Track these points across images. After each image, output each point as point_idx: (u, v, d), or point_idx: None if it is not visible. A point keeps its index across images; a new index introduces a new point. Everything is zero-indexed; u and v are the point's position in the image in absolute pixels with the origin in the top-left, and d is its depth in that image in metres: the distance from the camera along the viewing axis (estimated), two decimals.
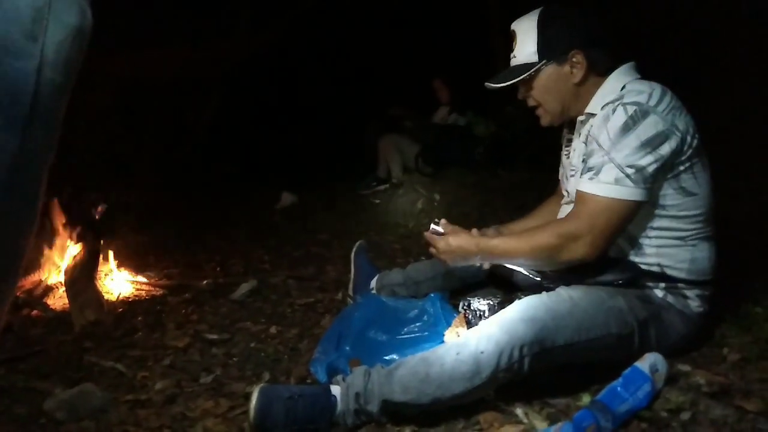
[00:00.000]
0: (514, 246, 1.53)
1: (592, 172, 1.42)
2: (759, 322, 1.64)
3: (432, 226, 1.73)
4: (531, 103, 1.63)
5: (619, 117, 1.41)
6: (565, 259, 1.45)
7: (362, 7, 5.12)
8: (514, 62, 1.61)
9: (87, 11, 0.78)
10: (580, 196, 1.45)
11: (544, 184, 2.07)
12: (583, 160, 1.52)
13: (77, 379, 1.85)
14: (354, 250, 2.39)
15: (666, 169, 1.43)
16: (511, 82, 1.58)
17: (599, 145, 1.42)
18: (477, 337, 1.41)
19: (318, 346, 1.88)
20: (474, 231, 1.82)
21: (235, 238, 3.71)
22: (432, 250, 1.71)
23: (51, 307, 2.47)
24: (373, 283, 2.23)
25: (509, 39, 1.62)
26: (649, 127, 1.39)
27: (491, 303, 1.80)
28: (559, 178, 1.84)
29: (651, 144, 1.38)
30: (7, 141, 0.70)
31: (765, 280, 1.87)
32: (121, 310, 2.46)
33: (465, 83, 4.25)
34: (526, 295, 1.71)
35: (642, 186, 1.39)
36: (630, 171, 1.38)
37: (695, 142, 1.45)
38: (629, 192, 1.39)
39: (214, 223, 4.09)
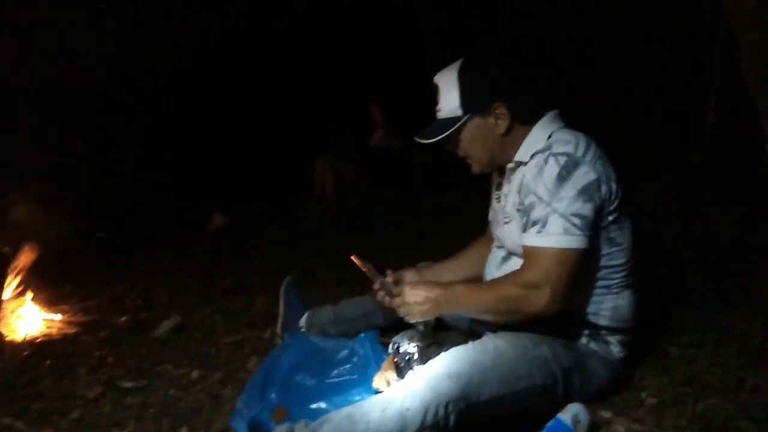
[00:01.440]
0: (479, 296, 1.50)
1: (539, 226, 1.43)
2: (675, 362, 1.71)
3: (382, 280, 1.67)
4: (460, 154, 1.64)
5: (552, 168, 1.43)
6: (529, 311, 1.44)
7: (301, 26, 5.05)
8: (439, 115, 1.61)
9: None
10: (531, 251, 1.45)
11: (477, 210, 2.08)
12: (518, 210, 1.53)
13: None
14: (283, 285, 2.31)
15: (602, 216, 1.46)
16: (438, 138, 1.58)
17: (539, 198, 1.44)
18: (403, 393, 1.39)
19: (242, 394, 1.80)
20: (409, 273, 1.81)
21: (162, 264, 3.53)
22: (386, 299, 1.64)
23: None
24: (303, 321, 2.17)
25: (433, 92, 1.61)
26: (581, 176, 1.42)
27: (420, 345, 1.77)
28: (489, 219, 1.85)
29: (587, 191, 1.41)
30: None
31: (680, 319, 1.95)
32: (26, 353, 2.27)
33: (401, 107, 4.26)
34: (452, 339, 1.72)
35: (587, 233, 1.42)
36: (576, 220, 1.40)
37: (619, 191, 1.49)
38: (578, 240, 1.41)
39: (139, 244, 3.89)
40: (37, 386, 2.01)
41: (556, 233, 1.40)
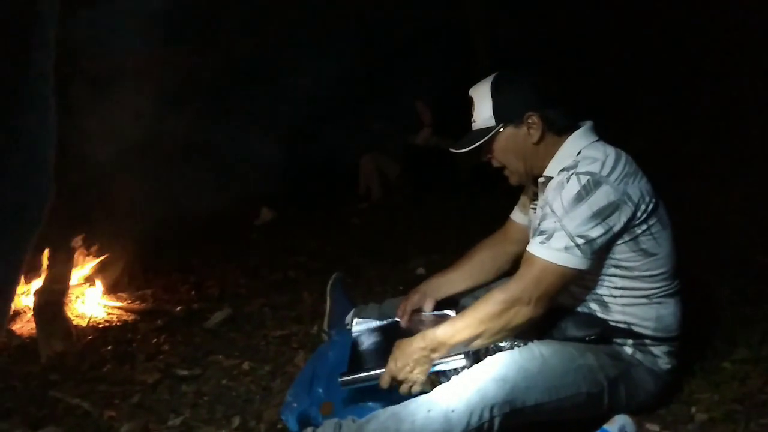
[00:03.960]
0: (462, 328, 1.48)
1: (544, 236, 1.45)
2: (727, 379, 1.67)
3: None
4: (495, 164, 1.66)
5: (573, 186, 1.45)
6: (515, 324, 1.45)
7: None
8: (474, 126, 1.64)
9: None
10: (529, 258, 1.47)
11: None
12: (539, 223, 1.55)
13: (41, 417, 1.81)
14: (330, 282, 2.36)
15: (617, 237, 1.46)
16: (472, 147, 1.61)
17: (552, 211, 1.46)
18: (449, 396, 1.42)
19: (290, 388, 1.86)
20: (403, 306, 1.84)
21: (212, 256, 3.66)
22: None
23: (17, 333, 2.41)
24: (349, 318, 2.22)
25: (468, 104, 1.66)
26: (601, 197, 1.42)
27: (469, 352, 1.79)
28: (527, 225, 1.85)
29: (602, 214, 1.42)
30: None
31: (734, 335, 1.90)
32: (90, 337, 2.41)
33: (449, 106, 4.26)
34: (498, 348, 1.73)
35: (589, 256, 1.43)
36: (580, 241, 1.42)
37: (650, 206, 1.48)
38: (576, 261, 1.42)
39: (191, 237, 4.03)
40: (100, 370, 2.14)
41: (557, 249, 1.42)
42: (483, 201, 4.14)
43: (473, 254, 1.95)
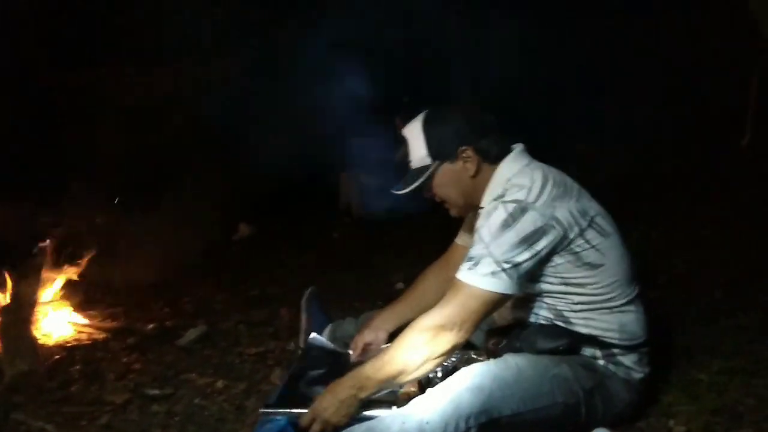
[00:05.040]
0: (387, 359, 1.46)
1: (472, 263, 1.45)
2: (704, 391, 1.67)
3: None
4: (437, 199, 1.67)
5: (500, 214, 1.46)
6: (441, 351, 1.43)
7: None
8: (411, 166, 1.65)
9: None
10: (456, 284, 1.47)
11: None
12: None
13: None
14: (305, 297, 2.32)
15: (546, 260, 1.47)
16: (411, 187, 1.63)
17: (480, 238, 1.47)
18: (423, 407, 1.40)
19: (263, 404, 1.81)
20: (354, 342, 1.86)
21: (188, 271, 3.58)
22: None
23: None
24: (326, 334, 2.18)
25: (402, 144, 1.67)
26: (527, 224, 1.44)
27: (397, 397, 1.76)
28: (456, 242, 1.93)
29: (529, 240, 1.44)
30: None
31: (711, 346, 1.91)
32: (57, 356, 2.34)
33: None
34: (477, 355, 1.71)
35: (516, 280, 1.43)
36: (506, 266, 1.42)
37: (584, 222, 1.49)
38: (503, 285, 1.42)
39: (167, 251, 3.95)
40: (67, 390, 2.06)
41: (483, 274, 1.42)
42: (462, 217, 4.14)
43: (417, 283, 1.98)
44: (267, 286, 3.26)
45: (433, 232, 3.98)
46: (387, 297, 2.60)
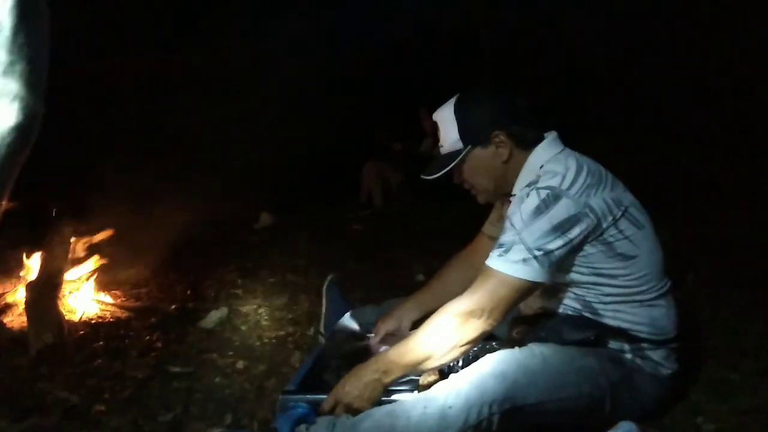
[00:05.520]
0: (413, 344, 1.44)
1: (502, 249, 1.42)
2: (736, 390, 1.62)
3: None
4: (466, 185, 1.65)
5: (533, 200, 1.43)
6: (468, 339, 1.41)
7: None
8: (442, 151, 1.63)
9: (31, 107, 0.74)
10: (485, 270, 1.44)
11: None
12: None
13: (27, 409, 1.76)
14: (326, 284, 2.32)
15: (578, 248, 1.44)
16: (441, 172, 1.60)
17: (512, 225, 1.44)
18: (446, 392, 1.38)
19: (286, 386, 1.81)
20: (377, 329, 1.84)
21: (211, 258, 3.62)
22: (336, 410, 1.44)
23: (7, 326, 2.36)
24: (345, 320, 2.17)
25: (434, 130, 1.65)
26: (560, 211, 1.40)
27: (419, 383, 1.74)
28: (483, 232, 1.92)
29: (562, 228, 1.40)
30: None
31: (744, 345, 1.86)
32: (82, 332, 2.37)
33: None
34: (499, 346, 1.69)
35: (547, 269, 1.40)
36: (538, 253, 1.39)
37: (619, 212, 1.45)
38: (534, 273, 1.39)
39: (190, 238, 3.99)
40: (90, 364, 2.09)
41: (514, 261, 1.39)
42: (483, 209, 4.11)
43: (442, 273, 1.95)
44: (287, 274, 3.27)
45: (454, 225, 3.97)
46: (407, 288, 2.58)
